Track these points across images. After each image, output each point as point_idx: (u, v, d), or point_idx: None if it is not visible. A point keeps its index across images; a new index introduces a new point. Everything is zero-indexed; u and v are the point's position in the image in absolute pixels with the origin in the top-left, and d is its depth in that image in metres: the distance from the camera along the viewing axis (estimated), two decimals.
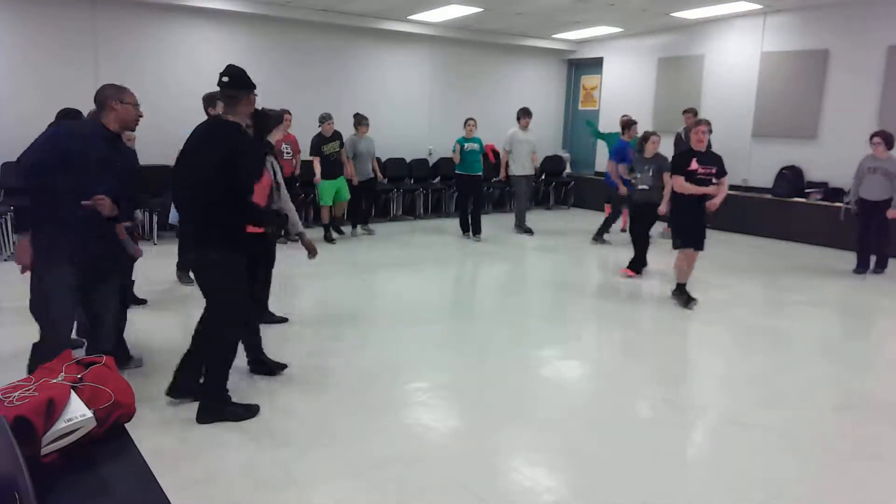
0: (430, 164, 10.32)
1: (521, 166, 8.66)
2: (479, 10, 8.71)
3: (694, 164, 5.20)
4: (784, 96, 8.87)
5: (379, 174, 8.59)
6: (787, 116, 8.67)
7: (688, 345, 4.61)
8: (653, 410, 3.53)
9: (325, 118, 7.79)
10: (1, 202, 6.87)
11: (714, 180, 5.24)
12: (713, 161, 5.30)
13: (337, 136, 7.89)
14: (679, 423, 3.40)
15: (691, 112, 8.58)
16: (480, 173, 8.36)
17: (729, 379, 4.11)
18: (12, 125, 6.88)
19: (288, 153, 7.37)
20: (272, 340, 4.52)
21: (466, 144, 8.28)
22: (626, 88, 11.02)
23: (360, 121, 8.02)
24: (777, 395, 3.75)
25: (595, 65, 11.63)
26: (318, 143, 7.79)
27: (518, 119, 8.62)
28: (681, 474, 2.87)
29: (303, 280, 6.30)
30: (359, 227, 8.51)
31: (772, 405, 3.60)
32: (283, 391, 3.61)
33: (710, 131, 5.40)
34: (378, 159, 8.59)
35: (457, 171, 8.39)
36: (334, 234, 8.16)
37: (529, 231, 8.80)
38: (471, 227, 8.39)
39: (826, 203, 8.15)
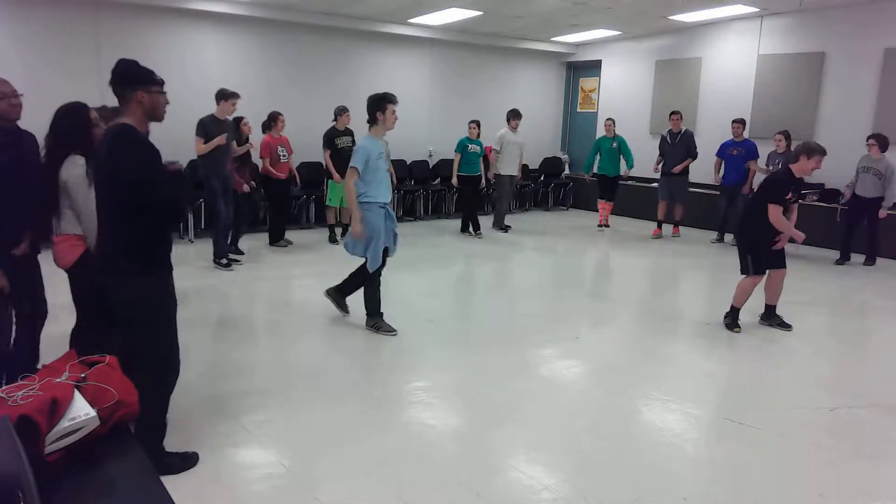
0: (430, 166, 10.35)
1: (508, 166, 8.81)
2: (479, 13, 8.74)
3: (790, 194, 4.77)
4: (781, 98, 8.91)
5: (394, 178, 8.64)
6: (784, 118, 8.70)
7: (685, 345, 4.63)
8: (650, 410, 3.55)
9: (340, 111, 7.66)
10: None
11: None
12: (800, 185, 4.88)
13: (350, 132, 7.81)
14: (676, 422, 3.42)
15: (678, 115, 8.66)
16: (479, 173, 8.72)
17: (725, 378, 4.13)
18: None
19: (283, 156, 7.41)
20: (273, 341, 4.54)
21: (470, 146, 8.52)
22: (624, 91, 11.06)
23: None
24: (773, 395, 3.77)
25: (593, 67, 11.67)
26: (332, 135, 7.64)
27: (508, 121, 8.71)
28: (678, 473, 2.89)
29: (305, 279, 6.32)
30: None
31: (768, 404, 3.62)
32: (284, 390, 3.63)
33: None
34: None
35: (459, 173, 8.64)
36: (341, 239, 8.15)
37: (506, 229, 8.94)
38: (471, 225, 8.64)
39: (822, 204, 8.19)
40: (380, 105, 4.39)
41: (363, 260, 4.59)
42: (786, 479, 2.85)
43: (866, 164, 7.17)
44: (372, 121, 4.45)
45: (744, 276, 4.86)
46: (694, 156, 8.62)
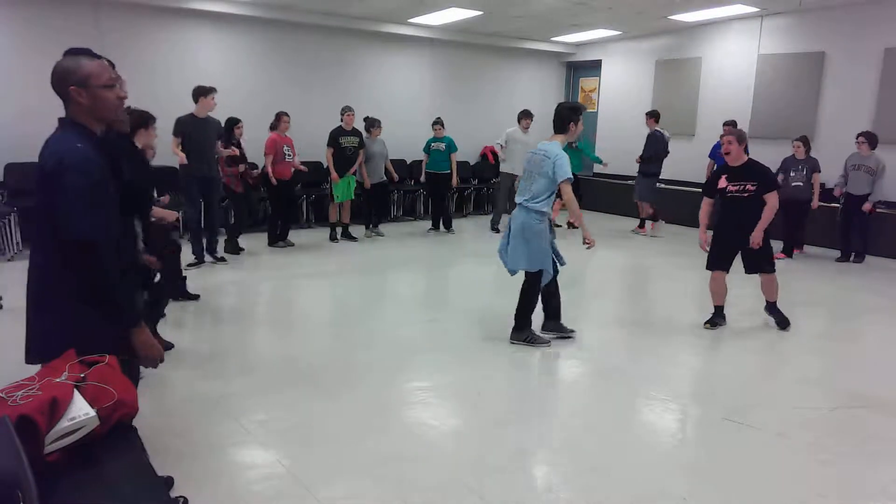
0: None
1: (513, 165, 8.77)
2: (479, 13, 8.75)
3: (723, 182, 4.62)
4: (781, 98, 8.91)
5: (394, 175, 8.65)
6: (784, 118, 8.71)
7: (685, 345, 4.62)
8: (651, 410, 3.55)
9: (345, 109, 7.71)
10: (4, 203, 6.90)
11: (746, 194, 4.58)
12: (750, 175, 4.57)
13: (357, 132, 7.82)
14: (677, 422, 3.42)
15: (653, 116, 8.73)
16: (447, 171, 8.80)
17: (725, 378, 4.13)
18: (15, 128, 6.92)
19: (289, 156, 7.40)
20: (272, 340, 4.54)
21: (434, 144, 8.72)
22: (624, 90, 11.06)
23: (371, 123, 8.07)
24: (773, 395, 3.77)
25: (593, 67, 11.67)
26: (336, 134, 7.68)
27: (519, 120, 8.71)
28: (678, 473, 2.89)
29: (304, 280, 6.32)
30: (370, 229, 8.48)
31: (768, 404, 3.62)
32: (283, 390, 3.63)
33: (741, 139, 4.58)
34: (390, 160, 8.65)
35: (426, 171, 8.87)
36: (341, 238, 8.11)
37: (498, 230, 8.92)
38: (441, 223, 8.89)
39: (822, 204, 8.18)
40: (574, 116, 4.26)
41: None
42: (786, 478, 2.85)
43: (856, 162, 7.28)
44: (562, 130, 4.29)
45: None
46: (644, 156, 8.73)
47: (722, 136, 4.68)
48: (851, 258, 7.49)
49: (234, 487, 2.68)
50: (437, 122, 8.77)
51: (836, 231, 7.68)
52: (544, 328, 4.61)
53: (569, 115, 4.26)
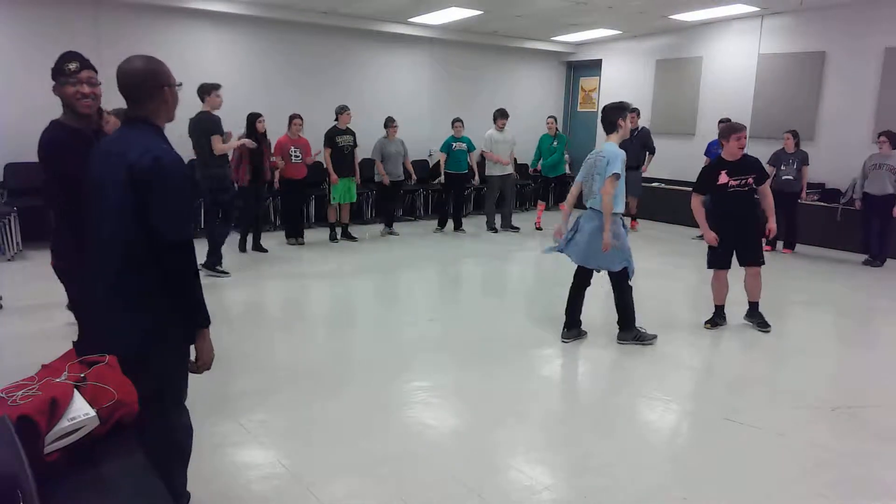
0: (431, 166, 10.35)
1: (502, 167, 8.78)
2: (479, 12, 8.74)
3: (724, 178, 4.59)
4: (782, 98, 8.91)
5: (413, 175, 8.64)
6: (785, 118, 8.70)
7: (684, 345, 4.62)
8: (651, 409, 3.55)
9: (341, 109, 7.72)
10: (4, 203, 6.89)
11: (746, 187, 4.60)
12: (748, 169, 4.60)
13: (351, 131, 7.81)
14: (677, 421, 3.42)
15: (636, 112, 8.73)
16: (466, 171, 8.79)
17: (726, 378, 4.13)
18: (15, 127, 6.91)
19: (297, 157, 7.39)
20: (272, 340, 4.54)
21: (455, 144, 8.61)
22: (624, 90, 11.03)
23: (388, 123, 8.12)
24: (773, 395, 3.77)
25: (594, 66, 11.67)
26: (332, 134, 7.69)
27: (495, 120, 8.72)
28: (678, 473, 2.89)
29: (305, 280, 6.32)
30: (384, 228, 8.53)
31: (768, 404, 3.62)
32: (283, 390, 3.63)
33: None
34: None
35: (446, 170, 8.76)
36: (341, 238, 8.10)
37: (495, 230, 8.92)
38: (453, 223, 8.83)
39: (823, 204, 8.19)
40: (621, 113, 4.32)
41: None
42: (786, 479, 2.85)
43: (878, 161, 7.09)
44: (612, 129, 4.34)
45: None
46: (652, 151, 8.98)
47: (735, 135, 4.59)
48: (876, 261, 7.24)
49: (234, 487, 2.68)
50: (458, 121, 8.69)
51: (841, 231, 7.62)
52: (566, 337, 4.61)
53: (616, 114, 4.32)
